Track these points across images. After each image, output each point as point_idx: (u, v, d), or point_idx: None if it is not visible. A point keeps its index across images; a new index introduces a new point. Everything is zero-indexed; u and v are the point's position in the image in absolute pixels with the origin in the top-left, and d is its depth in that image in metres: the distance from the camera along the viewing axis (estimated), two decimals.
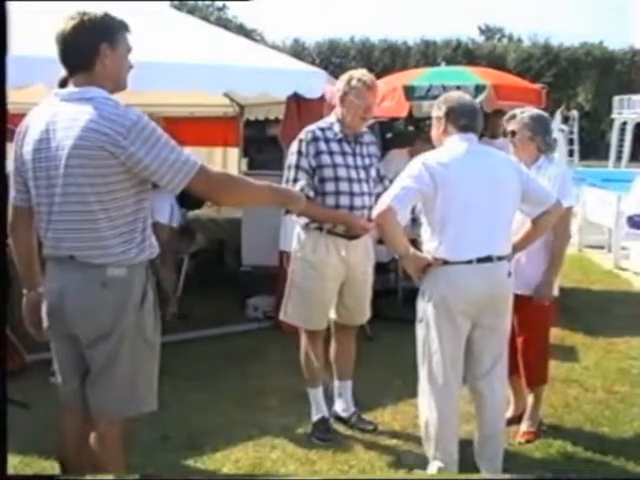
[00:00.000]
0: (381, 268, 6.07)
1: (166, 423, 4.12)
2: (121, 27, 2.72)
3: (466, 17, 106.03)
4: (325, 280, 4.07)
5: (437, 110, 3.57)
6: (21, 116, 2.84)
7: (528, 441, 4.11)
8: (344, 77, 4.08)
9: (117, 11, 2.75)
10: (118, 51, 2.69)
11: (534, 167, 3.98)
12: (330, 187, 4.01)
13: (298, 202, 3.11)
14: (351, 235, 4.05)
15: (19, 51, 3.49)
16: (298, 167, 4.02)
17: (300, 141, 4.07)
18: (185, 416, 4.40)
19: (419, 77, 7.38)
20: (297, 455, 3.97)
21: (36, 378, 4.62)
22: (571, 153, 18.06)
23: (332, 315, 4.24)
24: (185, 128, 7.51)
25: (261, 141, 8.50)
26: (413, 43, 50.89)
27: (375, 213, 3.42)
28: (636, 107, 29.20)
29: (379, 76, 5.14)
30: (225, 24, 39.85)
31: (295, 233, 4.18)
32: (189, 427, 4.27)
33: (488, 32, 58.30)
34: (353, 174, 4.05)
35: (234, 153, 8.91)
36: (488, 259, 3.39)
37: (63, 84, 2.70)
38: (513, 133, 4.09)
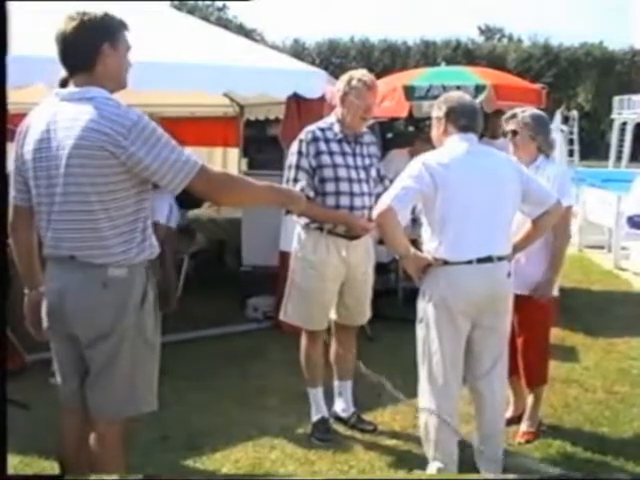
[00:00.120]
0: (381, 268, 6.07)
1: (166, 423, 4.11)
2: (121, 26, 2.72)
3: (466, 17, 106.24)
4: (325, 280, 4.07)
5: (437, 110, 3.57)
6: (21, 116, 2.84)
7: (528, 441, 4.11)
8: (344, 77, 4.08)
9: (117, 11, 2.75)
10: (119, 50, 2.70)
11: (533, 167, 3.98)
12: (330, 187, 4.01)
13: (298, 202, 3.11)
14: (351, 235, 4.05)
15: (19, 51, 3.49)
16: (298, 167, 4.02)
17: (300, 141, 4.07)
18: (185, 416, 4.40)
19: (419, 77, 7.39)
20: (297, 455, 3.97)
21: (36, 378, 4.62)
22: (571, 153, 18.04)
23: (332, 315, 4.24)
24: (185, 128, 7.50)
25: (261, 141, 8.49)
26: (413, 43, 50.93)
27: (375, 213, 3.42)
28: (636, 107, 29.21)
29: (379, 76, 5.14)
30: (225, 24, 39.85)
31: (295, 233, 4.18)
32: (189, 427, 4.27)
33: (488, 32, 58.33)
34: (353, 174, 4.05)
35: (234, 153, 8.90)
36: (488, 259, 3.39)
37: (64, 84, 2.70)
38: (514, 132, 4.09)
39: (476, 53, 47.85)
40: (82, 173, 2.57)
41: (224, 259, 8.01)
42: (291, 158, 4.07)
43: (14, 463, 3.63)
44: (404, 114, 7.20)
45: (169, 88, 5.29)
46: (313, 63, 27.55)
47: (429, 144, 3.77)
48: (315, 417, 4.23)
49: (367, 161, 4.15)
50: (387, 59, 47.68)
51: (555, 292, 4.18)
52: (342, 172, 4.02)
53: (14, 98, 3.23)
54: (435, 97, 4.06)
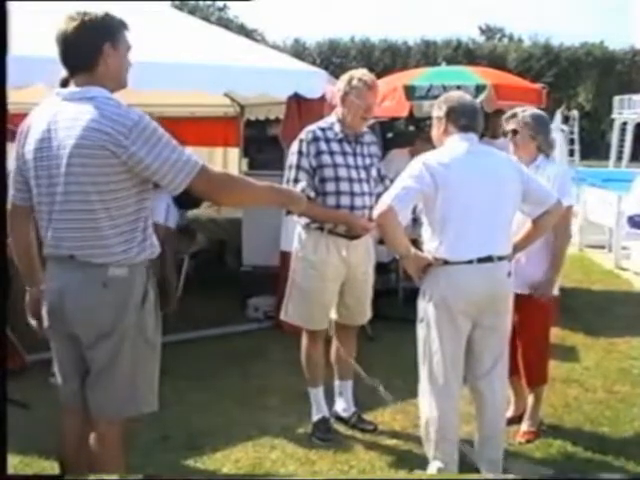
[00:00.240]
0: (382, 268, 6.07)
1: (166, 423, 4.11)
2: (121, 26, 2.72)
3: (466, 17, 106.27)
4: (326, 280, 4.07)
5: (438, 110, 3.57)
6: (21, 116, 2.84)
7: (528, 441, 4.11)
8: (345, 77, 4.08)
9: (118, 11, 2.76)
10: (119, 50, 2.70)
11: (533, 166, 3.98)
12: (331, 187, 4.01)
13: (299, 203, 3.11)
14: (352, 235, 4.05)
15: (19, 51, 3.49)
16: (299, 167, 4.02)
17: (301, 141, 4.07)
18: (185, 416, 4.39)
19: (419, 77, 7.39)
20: (297, 455, 3.97)
21: (36, 378, 4.62)
22: (572, 153, 18.03)
23: (333, 315, 4.24)
24: (186, 128, 7.51)
25: (261, 141, 8.49)
26: (413, 43, 50.93)
27: (376, 213, 3.42)
28: (636, 107, 29.21)
29: (379, 76, 5.14)
30: (226, 24, 39.87)
31: (296, 233, 4.18)
32: (189, 427, 4.27)
33: (488, 32, 58.33)
34: (354, 174, 4.05)
35: (234, 153, 8.91)
36: (489, 259, 3.39)
37: (64, 84, 2.70)
38: (514, 132, 4.09)
39: (477, 53, 47.85)
40: (83, 172, 2.57)
41: (224, 259, 8.01)
42: (291, 158, 4.07)
43: (14, 463, 3.63)
44: (404, 114, 7.21)
45: (169, 88, 5.29)
46: (314, 63, 27.51)
47: (429, 144, 3.77)
48: (316, 417, 4.23)
49: (368, 161, 4.15)
50: (387, 59, 47.68)
51: (555, 292, 4.18)
52: (343, 172, 4.02)
53: (14, 98, 3.23)
54: (435, 97, 4.06)
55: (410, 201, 3.38)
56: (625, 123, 29.96)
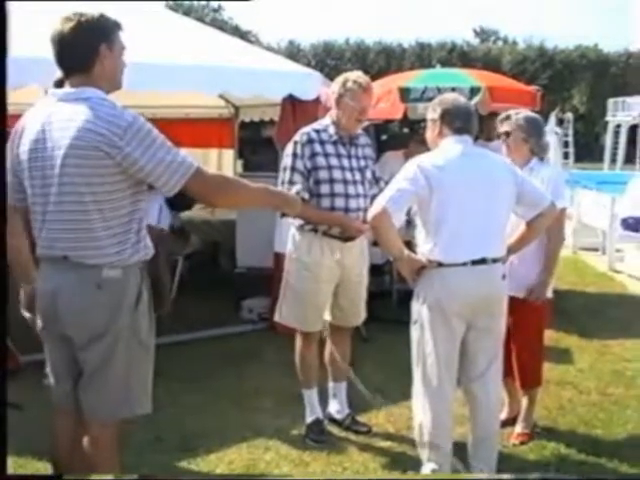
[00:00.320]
0: (376, 270, 6.05)
1: (160, 424, 4.10)
2: (115, 27, 2.72)
3: (461, 19, 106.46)
4: (320, 282, 4.07)
5: (432, 112, 3.57)
6: (16, 117, 2.83)
7: (522, 443, 4.11)
8: (339, 79, 4.08)
9: (113, 11, 2.75)
10: (115, 51, 2.70)
11: (526, 169, 3.99)
12: (325, 189, 4.01)
13: (294, 205, 3.11)
14: (346, 237, 4.05)
15: (13, 52, 3.46)
16: (293, 169, 4.02)
17: (295, 143, 4.07)
18: (179, 417, 4.39)
19: (414, 79, 7.41)
20: (291, 457, 3.97)
21: (29, 379, 4.58)
22: (566, 155, 18.10)
23: (327, 317, 4.24)
24: (180, 129, 7.48)
25: (256, 143, 8.50)
26: (408, 45, 50.89)
27: (370, 215, 3.42)
28: (631, 110, 29.23)
29: (374, 78, 5.15)
30: (220, 25, 39.78)
31: (290, 234, 4.18)
32: (183, 429, 4.26)
33: (483, 34, 58.33)
34: (348, 176, 4.05)
35: (229, 155, 8.90)
36: (483, 261, 3.39)
37: (59, 84, 2.70)
38: (507, 134, 4.10)
39: (471, 55, 47.85)
40: (77, 173, 2.57)
41: (218, 261, 8.00)
42: (286, 160, 4.07)
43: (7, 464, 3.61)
44: (399, 116, 7.23)
45: (164, 89, 5.29)
46: (308, 65, 27.44)
47: (424, 146, 3.77)
48: (309, 418, 4.23)
49: (362, 163, 4.15)
50: (382, 61, 47.67)
51: (549, 294, 4.19)
52: (337, 174, 4.02)
53: (9, 99, 3.22)
54: (430, 99, 4.06)
55: (404, 203, 3.38)
56: (619, 126, 29.97)
